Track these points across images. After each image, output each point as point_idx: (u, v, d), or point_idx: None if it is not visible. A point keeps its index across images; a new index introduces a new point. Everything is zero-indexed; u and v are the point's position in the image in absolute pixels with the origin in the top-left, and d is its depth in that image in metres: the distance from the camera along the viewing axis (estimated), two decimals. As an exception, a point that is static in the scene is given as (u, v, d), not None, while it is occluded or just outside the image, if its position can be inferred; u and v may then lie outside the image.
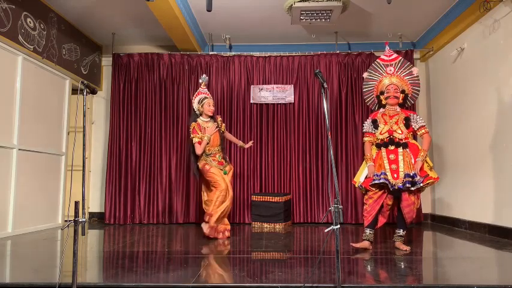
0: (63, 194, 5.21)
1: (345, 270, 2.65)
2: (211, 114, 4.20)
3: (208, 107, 4.15)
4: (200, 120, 4.16)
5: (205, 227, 4.05)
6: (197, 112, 4.19)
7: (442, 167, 5.38)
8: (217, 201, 3.98)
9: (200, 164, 4.10)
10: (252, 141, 4.73)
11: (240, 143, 4.51)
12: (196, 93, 4.26)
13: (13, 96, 4.33)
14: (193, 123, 4.09)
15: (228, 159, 4.36)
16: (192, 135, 4.05)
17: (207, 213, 4.07)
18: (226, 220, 4.18)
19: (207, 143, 4.05)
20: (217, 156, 4.13)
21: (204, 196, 4.27)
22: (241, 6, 4.84)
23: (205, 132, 4.07)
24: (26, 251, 3.45)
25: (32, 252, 3.43)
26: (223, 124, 4.32)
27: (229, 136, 4.53)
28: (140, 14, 5.00)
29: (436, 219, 5.59)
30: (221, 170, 4.09)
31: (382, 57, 3.69)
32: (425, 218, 5.65)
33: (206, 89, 4.27)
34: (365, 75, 3.76)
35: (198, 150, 4.01)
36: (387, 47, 3.75)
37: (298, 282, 2.34)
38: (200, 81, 4.31)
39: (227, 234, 4.12)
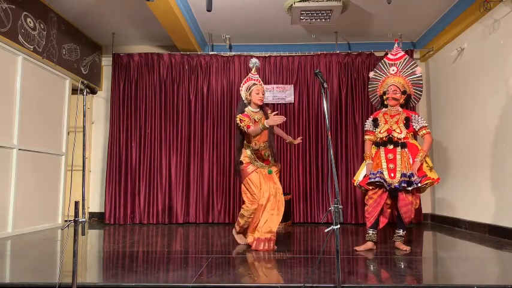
0: (63, 194, 5.21)
1: (345, 270, 2.65)
2: (261, 104, 3.64)
3: (257, 95, 3.59)
4: (249, 110, 3.63)
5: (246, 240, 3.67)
6: (245, 101, 3.69)
7: (442, 167, 5.38)
8: (252, 215, 3.53)
9: (243, 162, 3.59)
10: (301, 137, 4.10)
11: (289, 138, 4.00)
12: (245, 79, 3.74)
13: (13, 96, 4.33)
14: (239, 116, 3.52)
15: (276, 158, 3.80)
16: (240, 124, 3.50)
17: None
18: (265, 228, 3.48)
19: (258, 134, 3.49)
20: (263, 153, 3.62)
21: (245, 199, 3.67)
22: (241, 6, 4.84)
23: (255, 124, 3.53)
24: (26, 251, 3.45)
25: (32, 252, 3.43)
26: (274, 113, 3.57)
27: (278, 131, 4.02)
28: (140, 14, 4.99)
29: (436, 219, 5.59)
30: (265, 169, 3.60)
31: (389, 55, 3.68)
32: (425, 218, 5.65)
33: (257, 75, 3.73)
34: (371, 74, 3.76)
35: (253, 131, 3.45)
36: (396, 45, 3.70)
37: (298, 282, 2.34)
38: (250, 65, 3.78)
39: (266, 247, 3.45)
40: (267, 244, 3.43)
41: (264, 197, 3.48)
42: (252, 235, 3.57)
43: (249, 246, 3.57)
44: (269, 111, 3.67)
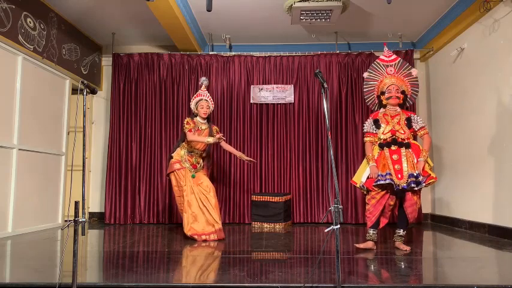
0: (63, 194, 5.21)
1: (345, 270, 2.65)
2: (204, 116, 4.23)
3: (202, 109, 4.20)
4: (196, 120, 4.24)
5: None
6: (194, 112, 4.29)
7: (442, 167, 5.38)
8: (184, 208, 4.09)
9: (173, 157, 4.19)
10: (253, 160, 4.58)
11: (238, 153, 4.38)
12: (195, 94, 4.33)
13: (13, 96, 4.33)
14: (187, 119, 4.20)
15: (205, 167, 4.39)
16: (185, 126, 4.14)
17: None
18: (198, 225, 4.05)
19: (203, 141, 4.09)
20: (193, 158, 4.21)
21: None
22: (241, 6, 4.84)
23: (197, 131, 4.16)
24: (26, 251, 3.45)
25: (32, 252, 3.43)
26: (219, 134, 4.07)
27: (227, 147, 4.45)
28: (140, 14, 5.00)
29: (436, 219, 5.59)
30: (191, 172, 4.15)
31: (382, 57, 3.70)
32: (425, 218, 5.65)
33: (206, 91, 4.31)
34: (365, 75, 3.75)
35: (189, 137, 4.08)
36: (386, 48, 3.76)
37: (298, 282, 2.34)
38: (200, 83, 4.38)
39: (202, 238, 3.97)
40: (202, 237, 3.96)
41: (189, 195, 4.06)
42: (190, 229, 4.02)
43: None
44: (214, 128, 4.32)
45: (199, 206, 4.06)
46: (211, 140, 4.02)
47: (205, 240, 3.93)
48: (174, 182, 4.18)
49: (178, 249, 3.54)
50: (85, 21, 5.36)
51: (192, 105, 4.28)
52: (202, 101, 4.22)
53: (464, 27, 4.81)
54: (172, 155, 4.24)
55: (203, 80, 4.37)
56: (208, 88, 5.77)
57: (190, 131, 4.11)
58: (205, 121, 4.28)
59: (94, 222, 5.67)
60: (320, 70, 3.27)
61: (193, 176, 4.14)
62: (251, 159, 4.43)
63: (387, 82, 3.57)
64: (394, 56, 3.67)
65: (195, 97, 4.30)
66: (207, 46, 6.04)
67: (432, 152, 5.69)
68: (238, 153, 4.39)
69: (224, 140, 4.13)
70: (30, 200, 4.59)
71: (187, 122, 4.15)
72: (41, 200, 4.81)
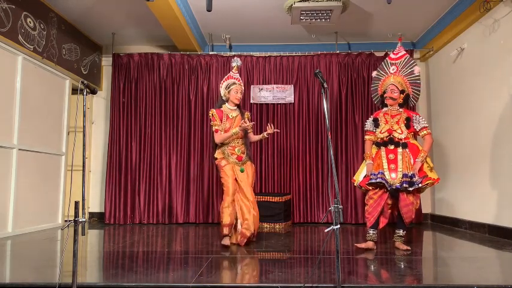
0: (63, 194, 5.21)
1: (345, 270, 2.65)
2: (238, 103, 3.80)
3: (235, 94, 3.73)
4: (225, 107, 3.78)
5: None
6: (223, 98, 3.80)
7: (442, 167, 5.38)
8: (223, 207, 3.61)
9: (217, 157, 3.75)
10: (277, 130, 4.01)
11: (261, 135, 3.86)
12: (226, 76, 3.86)
13: (13, 96, 4.33)
14: (212, 110, 3.73)
15: (250, 156, 3.87)
16: (211, 123, 3.73)
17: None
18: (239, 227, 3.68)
19: (231, 135, 3.65)
20: (236, 149, 3.71)
21: None
22: (241, 6, 4.84)
23: (228, 120, 3.71)
24: (26, 251, 3.45)
25: (32, 252, 3.43)
26: (243, 121, 3.68)
27: (252, 137, 3.95)
28: (140, 14, 5.00)
29: (436, 219, 5.59)
30: (239, 166, 3.71)
31: (391, 55, 3.72)
32: (425, 218, 5.65)
33: (238, 74, 3.84)
34: (374, 73, 3.79)
35: (217, 138, 3.67)
36: (399, 44, 3.74)
37: (298, 282, 2.34)
38: (233, 64, 3.87)
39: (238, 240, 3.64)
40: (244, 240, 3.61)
41: (232, 189, 3.63)
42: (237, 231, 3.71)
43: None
44: (246, 114, 3.85)
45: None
46: (237, 129, 3.60)
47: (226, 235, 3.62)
48: (222, 181, 3.74)
49: (178, 249, 3.54)
50: (85, 21, 5.36)
51: (222, 89, 3.78)
52: (236, 85, 3.73)
53: (464, 27, 4.81)
54: (215, 155, 3.77)
55: (236, 61, 3.85)
56: (208, 87, 5.74)
57: (216, 131, 3.67)
58: (236, 107, 3.80)
59: (94, 222, 5.67)
60: (320, 70, 3.27)
61: (242, 170, 3.69)
62: (273, 129, 3.73)
63: (388, 81, 3.58)
64: (401, 54, 3.65)
65: (225, 79, 3.80)
66: (207, 46, 6.04)
67: (432, 152, 5.68)
68: (261, 135, 3.85)
69: (250, 124, 3.62)
70: (30, 200, 4.59)
71: (213, 115, 3.68)
72: (41, 200, 4.81)
